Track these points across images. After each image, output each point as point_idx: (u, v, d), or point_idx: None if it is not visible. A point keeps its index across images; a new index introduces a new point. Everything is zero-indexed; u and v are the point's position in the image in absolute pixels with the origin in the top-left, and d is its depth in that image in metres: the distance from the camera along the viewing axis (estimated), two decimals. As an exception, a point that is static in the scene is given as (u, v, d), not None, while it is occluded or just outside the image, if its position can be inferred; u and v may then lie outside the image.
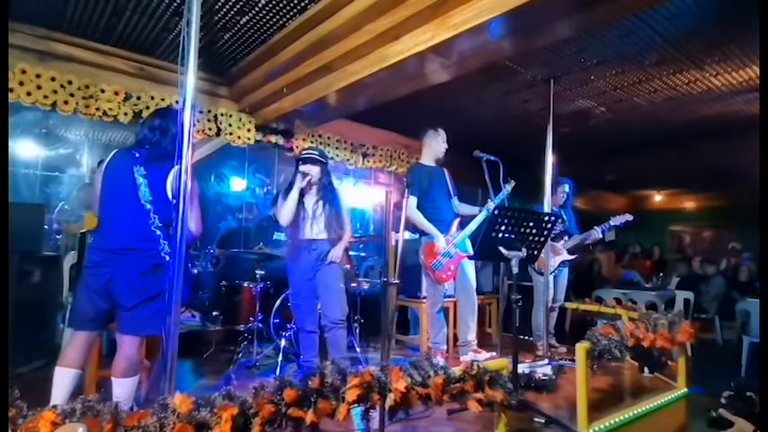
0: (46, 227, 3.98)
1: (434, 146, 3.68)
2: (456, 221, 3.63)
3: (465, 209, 3.75)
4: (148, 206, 2.15)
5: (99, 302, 2.11)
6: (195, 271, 4.00)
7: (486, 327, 4.97)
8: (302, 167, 3.02)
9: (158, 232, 2.14)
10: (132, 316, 2.08)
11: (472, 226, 3.56)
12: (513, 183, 3.61)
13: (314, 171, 3.01)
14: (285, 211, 2.96)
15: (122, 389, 2.07)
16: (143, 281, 2.07)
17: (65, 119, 4.21)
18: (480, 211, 3.59)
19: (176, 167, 2.09)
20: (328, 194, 3.07)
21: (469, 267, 3.61)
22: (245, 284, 3.87)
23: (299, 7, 3.06)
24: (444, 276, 3.50)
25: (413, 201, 3.54)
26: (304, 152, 3.12)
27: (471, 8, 2.47)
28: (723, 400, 1.96)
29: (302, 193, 3.03)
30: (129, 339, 2.11)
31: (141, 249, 2.11)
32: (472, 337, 3.54)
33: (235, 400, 1.27)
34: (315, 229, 3.00)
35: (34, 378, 3.13)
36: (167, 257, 2.08)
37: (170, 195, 2.14)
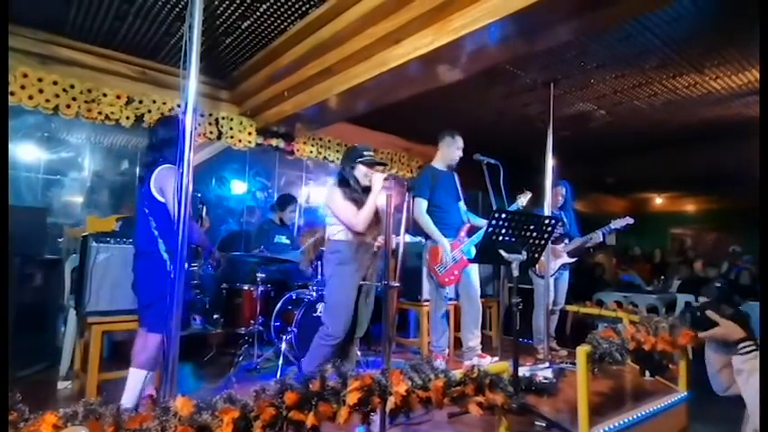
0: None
1: (448, 152, 3.67)
2: (465, 226, 3.61)
3: (473, 219, 3.71)
4: (146, 211, 2.30)
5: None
6: (196, 270, 3.99)
7: (486, 330, 4.97)
8: (372, 171, 2.79)
9: (155, 233, 2.25)
10: (147, 313, 2.27)
11: (481, 233, 3.51)
12: (528, 194, 3.51)
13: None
14: (366, 216, 2.71)
15: (132, 380, 2.23)
16: (153, 282, 2.21)
17: (67, 122, 4.22)
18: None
19: (159, 168, 2.30)
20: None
21: (474, 274, 3.58)
22: (246, 287, 3.87)
23: (300, 11, 3.08)
24: (447, 280, 3.50)
25: (423, 204, 3.52)
26: (366, 154, 2.84)
27: (472, 12, 2.48)
28: (699, 303, 1.95)
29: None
30: (143, 333, 2.30)
31: (147, 253, 2.27)
32: (475, 343, 3.53)
33: (236, 403, 1.27)
34: (374, 232, 2.84)
35: (35, 381, 3.14)
36: (165, 255, 2.22)
37: (156, 195, 2.28)
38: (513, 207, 3.46)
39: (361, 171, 2.81)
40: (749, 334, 1.56)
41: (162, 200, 2.27)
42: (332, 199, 2.80)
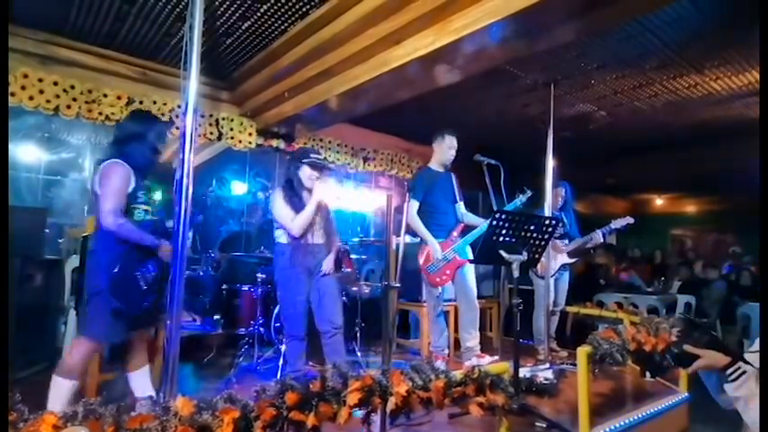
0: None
1: (441, 152, 3.66)
2: (459, 227, 3.61)
3: (470, 218, 3.70)
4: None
5: None
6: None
7: (486, 331, 4.96)
8: (316, 174, 2.87)
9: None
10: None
11: (475, 232, 3.50)
12: (528, 192, 3.50)
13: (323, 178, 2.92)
14: (302, 222, 2.80)
15: (56, 391, 2.03)
16: (89, 278, 2.23)
17: (67, 123, 4.23)
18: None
19: (107, 162, 2.16)
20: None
21: (470, 275, 3.57)
22: (246, 288, 3.86)
23: (300, 12, 3.08)
24: (438, 280, 3.49)
25: (414, 206, 3.52)
26: (312, 156, 2.93)
27: (472, 13, 2.48)
28: (675, 338, 1.93)
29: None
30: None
31: (91, 250, 2.32)
32: (474, 343, 3.52)
33: (236, 403, 1.27)
34: (317, 234, 2.92)
35: (35, 382, 3.14)
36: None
37: (96, 189, 2.14)
38: (513, 204, 3.46)
39: (305, 173, 2.86)
40: (733, 357, 1.50)
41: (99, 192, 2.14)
42: (273, 200, 2.89)
